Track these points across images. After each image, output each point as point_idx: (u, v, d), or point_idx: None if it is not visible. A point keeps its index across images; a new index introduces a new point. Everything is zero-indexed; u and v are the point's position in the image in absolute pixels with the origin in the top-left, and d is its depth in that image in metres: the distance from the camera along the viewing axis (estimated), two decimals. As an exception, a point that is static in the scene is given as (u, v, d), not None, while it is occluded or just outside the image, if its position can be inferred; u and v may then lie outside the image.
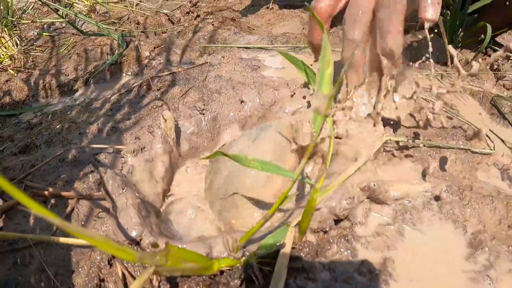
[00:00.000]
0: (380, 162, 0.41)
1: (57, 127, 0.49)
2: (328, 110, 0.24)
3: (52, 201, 0.40)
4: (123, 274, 0.31)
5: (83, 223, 0.38)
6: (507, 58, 0.64)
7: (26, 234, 0.36)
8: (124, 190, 0.35)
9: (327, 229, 0.32)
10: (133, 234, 0.31)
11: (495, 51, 0.67)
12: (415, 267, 0.34)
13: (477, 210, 0.40)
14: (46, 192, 0.40)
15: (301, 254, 0.31)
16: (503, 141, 0.50)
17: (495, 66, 0.63)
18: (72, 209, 0.39)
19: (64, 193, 0.39)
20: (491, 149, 0.47)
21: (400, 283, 0.33)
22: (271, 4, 0.76)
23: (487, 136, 0.50)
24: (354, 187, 0.35)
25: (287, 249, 0.29)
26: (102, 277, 0.33)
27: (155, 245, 0.24)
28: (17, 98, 0.63)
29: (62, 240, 0.34)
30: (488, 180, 0.44)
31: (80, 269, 0.34)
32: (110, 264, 0.33)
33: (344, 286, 0.31)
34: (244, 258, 0.28)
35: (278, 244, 0.28)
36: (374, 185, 0.35)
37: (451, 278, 0.34)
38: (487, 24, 0.61)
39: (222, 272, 0.29)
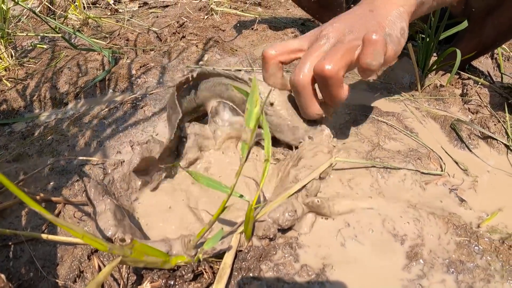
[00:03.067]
0: (328, 179, 0.51)
1: (48, 138, 0.61)
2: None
3: (43, 204, 0.51)
4: (99, 267, 0.42)
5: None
6: (476, 83, 0.74)
7: (18, 231, 0.46)
8: (103, 197, 0.45)
9: (271, 237, 0.42)
10: (109, 233, 0.42)
11: (468, 78, 0.77)
12: (352, 274, 0.44)
13: (417, 226, 0.49)
14: (37, 197, 0.51)
15: (248, 256, 0.41)
16: (456, 162, 0.60)
17: (464, 91, 0.74)
18: (59, 212, 0.50)
19: (53, 198, 0.50)
20: (442, 171, 0.57)
21: (336, 286, 0.43)
22: (255, 25, 0.88)
23: (440, 158, 0.60)
24: (299, 202, 0.45)
25: (232, 251, 0.40)
26: (82, 269, 0.43)
27: (122, 239, 0.34)
28: (10, 108, 0.74)
29: (50, 237, 0.44)
30: (435, 200, 0.54)
31: (64, 262, 0.44)
32: (89, 258, 0.44)
33: (285, 286, 0.41)
34: (196, 256, 0.38)
35: (220, 243, 0.38)
36: (318, 201, 0.46)
37: (385, 284, 0.43)
38: (457, 50, 0.72)
39: (179, 267, 0.39)
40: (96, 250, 0.44)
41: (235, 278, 0.41)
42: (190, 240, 0.38)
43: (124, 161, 0.51)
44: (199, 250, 0.38)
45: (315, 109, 0.48)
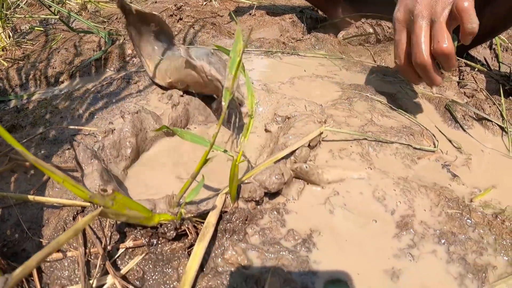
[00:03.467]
0: (317, 149, 0.52)
1: (42, 111, 0.62)
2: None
3: (32, 171, 0.52)
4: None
5: (56, 189, 0.49)
6: (472, 68, 0.75)
7: (6, 193, 0.47)
8: (92, 161, 0.46)
9: (257, 199, 0.42)
10: (93, 190, 0.42)
11: (466, 64, 0.78)
12: (340, 241, 0.44)
13: (408, 197, 0.49)
14: (27, 163, 0.51)
15: (233, 218, 0.42)
16: (450, 141, 0.60)
17: (461, 77, 0.74)
18: (48, 178, 0.50)
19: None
20: (434, 148, 0.58)
21: (323, 252, 0.42)
22: (253, 10, 0.89)
23: (433, 136, 0.60)
24: (287, 167, 0.45)
25: (216, 210, 0.40)
26: (66, 229, 0.44)
27: (104, 190, 0.34)
28: (6, 86, 0.76)
29: (37, 198, 0.45)
30: (427, 174, 0.54)
31: (49, 224, 0.45)
32: (74, 219, 0.44)
33: (270, 249, 0.41)
34: (178, 213, 0.38)
35: (205, 203, 0.38)
36: (306, 167, 0.46)
37: (375, 252, 0.43)
38: (455, 35, 0.72)
39: (161, 225, 0.39)
40: (82, 210, 0.45)
41: (219, 240, 0.41)
42: (173, 197, 0.38)
43: (115, 130, 0.52)
44: (181, 207, 0.38)
45: (440, 80, 0.58)
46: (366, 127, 0.57)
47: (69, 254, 0.41)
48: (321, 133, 0.50)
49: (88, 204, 0.44)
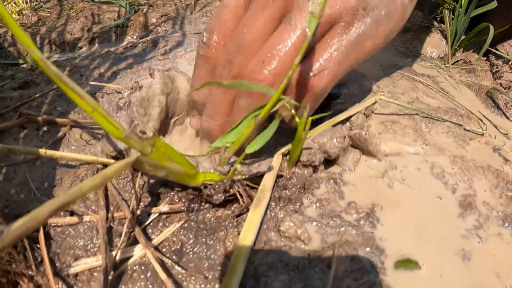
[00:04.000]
0: (374, 122, 0.43)
1: (59, 69, 0.51)
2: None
3: (45, 128, 0.41)
4: (106, 186, 0.32)
5: (73, 147, 0.39)
6: (507, 62, 0.67)
7: (14, 146, 0.36)
8: (119, 113, 0.36)
9: (316, 164, 0.33)
10: (122, 146, 0.32)
11: (497, 56, 0.71)
12: (404, 217, 0.35)
13: (467, 176, 0.41)
14: (40, 118, 0.41)
15: (289, 184, 0.32)
16: (495, 126, 0.52)
17: (494, 69, 0.67)
18: (64, 135, 0.40)
19: (58, 119, 0.40)
20: (483, 131, 0.49)
21: (387, 228, 0.33)
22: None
23: (480, 120, 0.52)
24: (345, 132, 0.36)
25: (273, 172, 0.30)
26: (84, 192, 0.33)
27: (143, 132, 0.24)
28: (21, 50, 0.65)
29: (50, 153, 0.34)
30: (480, 156, 0.46)
31: (63, 183, 0.34)
32: (94, 180, 0.34)
33: (330, 222, 0.32)
34: (230, 173, 0.28)
35: (257, 165, 0.28)
36: (366, 134, 0.37)
37: (441, 231, 0.34)
38: (490, 25, 0.65)
39: (205, 186, 0.29)
40: (104, 167, 0.34)
41: (272, 209, 0.31)
42: (225, 151, 0.28)
43: (142, 86, 0.42)
44: (233, 166, 0.28)
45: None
46: (414, 104, 0.49)
47: (86, 218, 0.31)
48: (375, 102, 0.41)
49: (112, 161, 0.34)
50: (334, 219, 0.32)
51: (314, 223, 0.31)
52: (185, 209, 0.29)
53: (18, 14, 0.71)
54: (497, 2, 0.67)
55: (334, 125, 0.36)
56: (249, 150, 0.26)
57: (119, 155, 0.32)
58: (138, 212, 0.29)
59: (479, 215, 0.37)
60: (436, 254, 0.32)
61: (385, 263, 0.31)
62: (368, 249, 0.31)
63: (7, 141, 0.41)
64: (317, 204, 0.33)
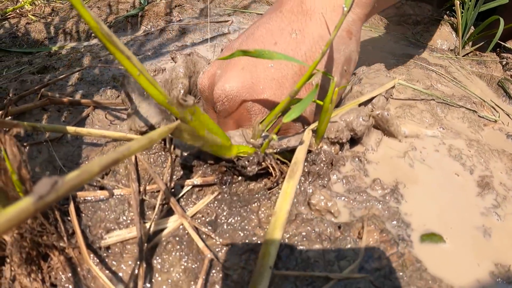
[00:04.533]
0: (393, 106, 0.44)
1: (77, 54, 0.51)
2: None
3: (68, 109, 0.42)
4: (136, 161, 0.32)
5: (97, 127, 0.39)
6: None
7: (39, 124, 0.37)
8: (146, 93, 0.36)
9: (343, 141, 0.34)
10: (153, 121, 0.33)
11: (506, 49, 0.72)
12: (426, 194, 0.36)
13: (483, 159, 0.42)
14: (63, 99, 0.41)
15: (318, 159, 0.33)
16: (508, 115, 0.53)
17: (504, 62, 0.68)
18: (87, 116, 0.40)
19: (82, 101, 0.41)
20: (496, 118, 0.50)
21: (411, 204, 0.34)
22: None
23: (492, 108, 0.53)
24: (369, 112, 0.37)
25: (304, 146, 0.31)
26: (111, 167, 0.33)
27: (184, 100, 0.25)
28: (35, 39, 0.65)
29: (79, 130, 0.34)
30: (494, 141, 0.47)
31: (90, 160, 0.34)
32: (123, 156, 0.34)
33: (357, 198, 0.33)
34: (263, 146, 0.29)
35: (287, 140, 0.29)
36: (388, 114, 0.38)
37: (462, 208, 0.35)
38: (500, 18, 0.66)
39: (239, 159, 0.30)
40: (134, 145, 0.35)
41: (302, 184, 0.32)
42: (259, 124, 0.29)
43: (165, 68, 0.42)
44: (269, 137, 0.29)
45: None
46: (429, 91, 0.50)
47: (116, 192, 0.31)
48: (394, 86, 0.42)
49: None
50: (361, 194, 0.33)
51: (342, 198, 0.32)
52: (218, 181, 0.30)
53: (31, 5, 0.71)
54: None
55: (358, 106, 0.37)
56: (286, 119, 0.27)
57: (150, 130, 0.33)
58: (171, 184, 0.30)
59: (496, 195, 0.38)
60: (459, 229, 0.33)
61: (411, 236, 0.31)
62: (394, 222, 0.32)
63: (28, 121, 0.41)
64: (344, 181, 0.34)
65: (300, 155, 0.30)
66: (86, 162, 0.34)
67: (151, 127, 0.33)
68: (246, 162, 0.29)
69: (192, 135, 0.26)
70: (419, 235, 0.32)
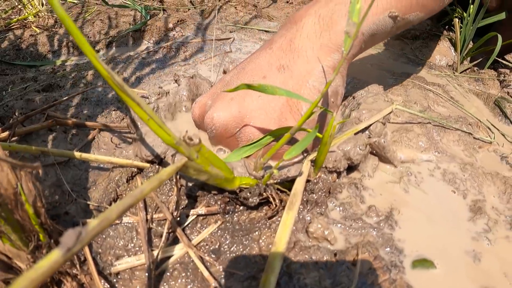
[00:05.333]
0: (390, 130, 0.46)
1: (82, 72, 0.53)
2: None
3: (73, 131, 0.44)
4: (144, 189, 0.34)
5: (102, 150, 0.41)
6: None
7: (47, 149, 0.39)
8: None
9: (341, 170, 0.36)
10: (159, 150, 0.35)
11: (504, 66, 0.74)
12: (419, 220, 0.38)
13: (477, 183, 0.44)
14: (69, 121, 0.43)
15: (316, 188, 0.35)
16: (503, 135, 0.56)
17: (501, 77, 0.70)
18: (93, 138, 0.42)
19: (87, 123, 0.43)
20: (491, 139, 0.53)
21: (405, 230, 0.36)
22: (291, -1, 0.84)
23: (488, 128, 0.56)
24: (366, 140, 0.39)
25: (303, 177, 0.33)
26: (119, 193, 0.36)
27: (190, 138, 0.27)
28: (39, 51, 0.67)
29: (85, 156, 0.36)
30: (488, 163, 0.49)
31: (97, 186, 0.37)
32: (128, 182, 0.36)
33: (353, 224, 0.35)
34: (265, 178, 0.31)
35: (287, 170, 0.31)
36: (384, 141, 0.40)
37: (453, 233, 0.38)
38: (498, 35, 0.68)
39: (241, 190, 0.32)
40: (139, 172, 0.37)
41: (300, 212, 0.34)
42: (260, 157, 0.31)
43: (169, 92, 0.45)
44: (268, 171, 0.31)
45: None
46: (426, 113, 0.52)
47: (125, 220, 0.33)
48: (392, 111, 0.45)
49: (147, 165, 0.36)
50: (357, 221, 0.35)
51: (339, 225, 0.34)
52: (221, 211, 0.32)
53: (35, 16, 0.73)
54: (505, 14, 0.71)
55: (356, 134, 0.39)
56: (287, 156, 0.29)
57: (156, 159, 0.35)
58: (177, 213, 0.32)
59: (488, 219, 0.41)
60: (450, 254, 0.36)
61: (403, 262, 0.34)
62: (388, 249, 0.34)
63: (35, 142, 0.43)
64: (341, 208, 0.36)
65: (299, 186, 0.32)
66: (94, 188, 0.37)
67: (157, 156, 0.35)
68: (248, 194, 0.31)
69: (197, 170, 0.28)
70: (411, 261, 0.34)
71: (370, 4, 0.24)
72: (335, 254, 0.32)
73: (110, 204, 0.35)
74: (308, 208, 0.34)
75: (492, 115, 0.61)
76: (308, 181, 0.35)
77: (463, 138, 0.50)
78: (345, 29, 0.27)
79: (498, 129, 0.57)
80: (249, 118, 0.34)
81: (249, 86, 0.30)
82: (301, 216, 0.34)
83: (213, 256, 0.30)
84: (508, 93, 0.67)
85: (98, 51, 0.67)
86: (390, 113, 0.45)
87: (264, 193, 0.32)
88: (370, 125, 0.41)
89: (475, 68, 0.72)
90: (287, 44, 0.36)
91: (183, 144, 0.26)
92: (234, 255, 0.30)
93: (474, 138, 0.51)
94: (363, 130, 0.41)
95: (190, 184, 0.33)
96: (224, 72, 0.52)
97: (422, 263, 0.34)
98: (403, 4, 0.36)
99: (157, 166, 0.35)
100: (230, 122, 0.35)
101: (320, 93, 0.36)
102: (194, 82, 0.47)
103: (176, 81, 0.47)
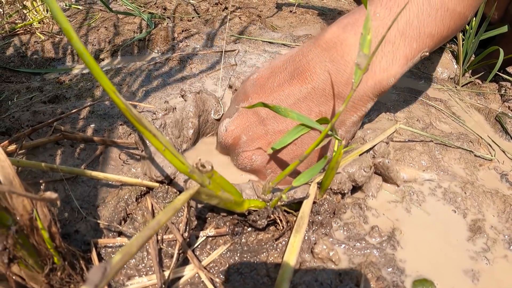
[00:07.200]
0: (393, 149, 0.47)
1: (88, 84, 0.54)
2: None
3: (81, 145, 0.45)
4: (153, 208, 0.36)
5: (110, 166, 0.42)
6: (512, 83, 0.73)
7: (56, 165, 0.40)
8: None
9: (345, 192, 0.37)
10: (169, 171, 0.36)
11: (504, 79, 0.76)
12: (420, 240, 0.40)
13: (477, 202, 0.46)
14: (77, 136, 0.44)
15: (321, 209, 0.36)
16: (504, 151, 0.57)
17: (502, 91, 0.72)
18: (100, 154, 0.43)
19: (95, 138, 0.44)
20: (492, 156, 0.54)
21: (406, 250, 0.38)
22: (294, 8, 0.85)
23: (489, 145, 0.57)
24: (370, 161, 0.40)
25: (310, 200, 0.34)
26: (128, 212, 0.37)
27: (203, 165, 0.28)
28: (43, 59, 0.68)
29: (95, 174, 0.38)
30: (488, 181, 0.51)
31: (106, 204, 0.38)
32: (137, 201, 0.38)
33: (357, 245, 0.36)
34: (273, 201, 0.33)
35: (293, 192, 0.33)
36: (388, 162, 0.41)
37: (453, 253, 0.39)
38: (500, 49, 0.70)
39: (249, 213, 0.34)
40: (148, 191, 0.38)
41: (305, 233, 0.35)
42: (269, 182, 0.32)
43: (176, 108, 0.46)
44: (277, 194, 0.32)
45: None
46: (428, 130, 0.54)
47: (134, 238, 0.34)
48: (395, 130, 0.46)
49: (157, 184, 0.37)
50: (360, 241, 0.36)
51: (343, 246, 0.36)
52: (230, 232, 0.33)
53: (39, 23, 0.74)
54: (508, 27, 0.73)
55: (360, 155, 0.41)
56: (296, 183, 0.31)
57: (165, 180, 0.36)
58: (187, 235, 0.33)
59: (487, 239, 0.42)
60: (449, 274, 0.37)
61: (405, 282, 0.35)
62: (390, 269, 0.35)
63: (42, 156, 0.44)
64: (345, 228, 0.37)
65: (306, 209, 0.33)
66: (103, 206, 0.38)
67: (167, 177, 0.36)
68: (257, 217, 0.32)
69: (209, 195, 0.29)
70: (411, 281, 0.36)
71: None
72: (340, 275, 0.33)
73: (120, 223, 0.36)
74: (314, 229, 0.35)
75: (493, 130, 0.62)
76: (314, 202, 0.36)
77: (464, 156, 0.52)
78: (356, 61, 0.28)
79: (498, 146, 0.58)
80: (280, 160, 0.39)
81: (265, 105, 0.32)
82: (306, 237, 0.35)
83: (222, 277, 0.32)
84: (509, 107, 0.69)
85: (103, 60, 0.68)
86: (393, 132, 0.46)
87: (271, 215, 0.33)
88: (375, 145, 0.42)
89: (477, 81, 0.74)
90: (328, 89, 0.36)
91: (196, 172, 0.28)
92: (242, 276, 0.32)
93: (475, 155, 0.53)
94: (367, 151, 0.42)
95: (199, 206, 0.34)
96: (230, 87, 0.53)
97: (423, 283, 0.36)
98: (435, 41, 0.36)
99: (166, 187, 0.37)
100: (265, 166, 0.40)
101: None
102: (201, 98, 0.48)
103: (182, 96, 0.48)
